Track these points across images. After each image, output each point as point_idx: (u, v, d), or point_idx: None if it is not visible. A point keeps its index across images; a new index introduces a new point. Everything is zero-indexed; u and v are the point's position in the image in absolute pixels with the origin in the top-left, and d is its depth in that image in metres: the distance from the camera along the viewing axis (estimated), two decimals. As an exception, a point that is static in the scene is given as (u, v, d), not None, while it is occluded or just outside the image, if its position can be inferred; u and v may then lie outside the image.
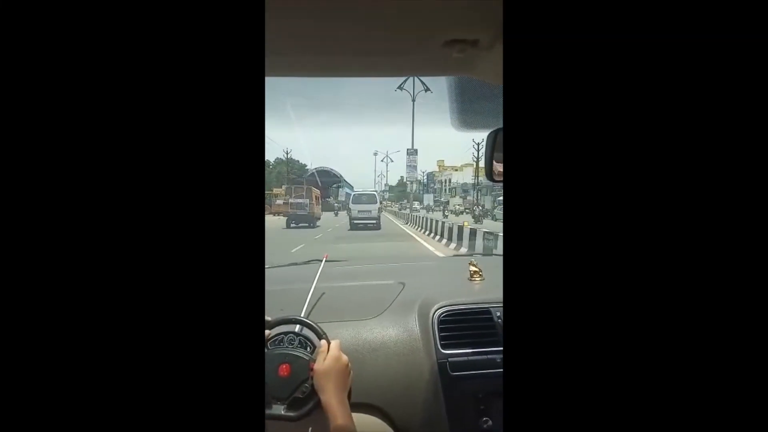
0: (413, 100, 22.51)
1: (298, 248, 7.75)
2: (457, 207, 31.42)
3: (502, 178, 0.70)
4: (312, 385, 0.66)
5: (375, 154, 56.36)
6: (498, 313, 0.84)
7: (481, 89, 0.69)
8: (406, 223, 17.16)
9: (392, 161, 50.16)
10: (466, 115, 0.74)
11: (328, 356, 0.68)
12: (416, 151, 25.50)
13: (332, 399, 0.64)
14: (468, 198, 38.08)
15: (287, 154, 39.09)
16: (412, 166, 25.59)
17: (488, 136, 0.67)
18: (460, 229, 8.15)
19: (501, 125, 0.66)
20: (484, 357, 0.78)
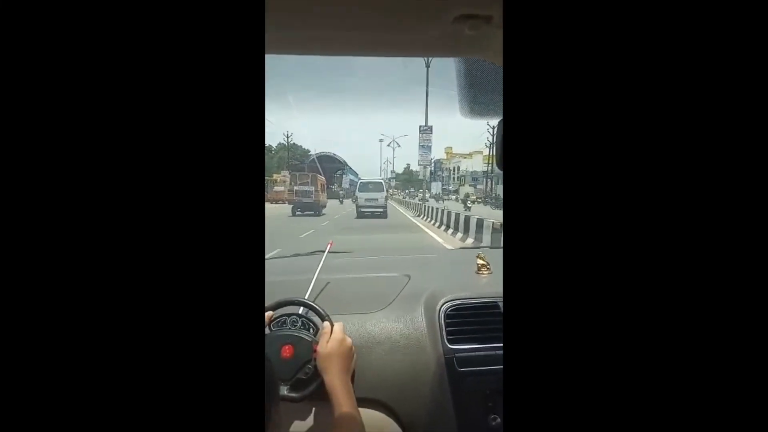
0: (427, 67, 20.76)
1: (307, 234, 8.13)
2: (469, 195, 30.92)
3: None
4: (315, 367, 0.68)
5: (381, 140, 55.81)
6: None
7: (491, 74, 0.68)
8: (418, 215, 15.09)
9: (399, 146, 48.34)
10: (475, 101, 0.72)
11: (332, 338, 0.69)
12: (431, 128, 21.29)
13: (335, 380, 0.65)
14: (478, 187, 37.76)
15: (288, 138, 38.86)
16: (425, 147, 21.49)
17: (499, 123, 0.65)
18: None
19: None
20: (493, 352, 0.77)
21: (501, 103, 0.76)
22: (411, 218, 14.64)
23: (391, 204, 22.52)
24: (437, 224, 11.12)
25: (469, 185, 40.32)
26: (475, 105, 0.73)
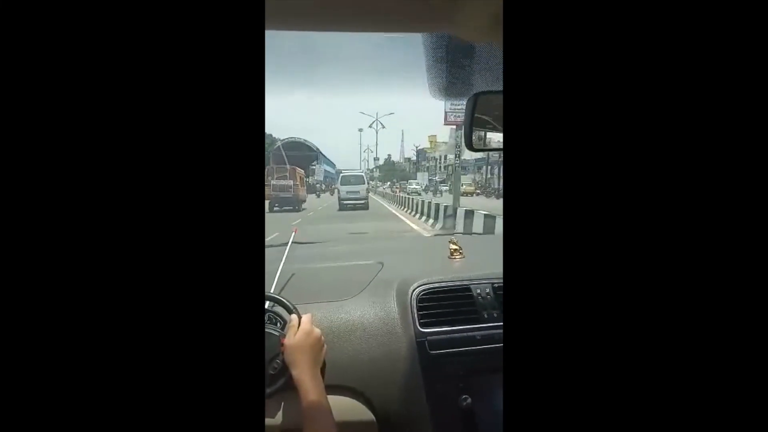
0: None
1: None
2: (464, 187, 30.46)
3: (481, 148, 0.76)
4: (283, 361, 0.74)
5: (360, 130, 54.49)
6: (478, 290, 0.93)
7: (460, 49, 0.74)
8: (434, 221, 10.14)
9: (384, 127, 44.27)
10: (445, 80, 0.79)
11: (299, 330, 0.76)
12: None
13: (304, 374, 0.72)
14: (469, 176, 37.76)
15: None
16: (460, 84, 1.96)
17: (468, 102, 0.73)
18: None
19: (481, 90, 0.72)
20: (464, 335, 0.86)
21: (472, 81, 0.83)
22: (426, 232, 9.04)
23: (376, 200, 22.53)
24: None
25: (460, 174, 40.40)
26: (445, 84, 0.80)
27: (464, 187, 30.58)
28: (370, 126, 43.27)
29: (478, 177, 37.52)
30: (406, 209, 15.51)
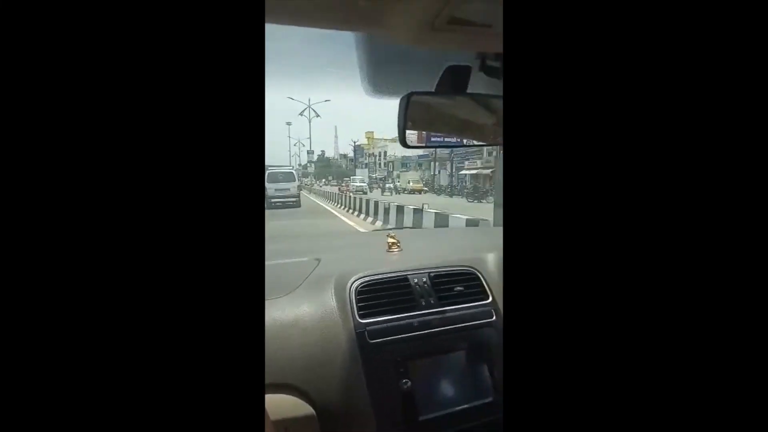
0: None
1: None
2: (412, 185, 29.59)
3: (416, 145, 0.82)
4: None
5: (289, 123, 51.84)
6: (416, 279, 1.00)
7: (392, 49, 0.79)
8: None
9: (318, 116, 41.31)
10: (378, 78, 0.84)
11: None
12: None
13: None
14: (413, 173, 38.03)
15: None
16: None
17: (401, 101, 0.78)
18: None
19: (413, 90, 0.78)
20: (404, 322, 0.94)
21: (405, 80, 0.89)
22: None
23: (312, 199, 22.05)
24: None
25: (402, 171, 40.84)
26: (377, 83, 0.84)
27: (411, 184, 29.81)
28: (301, 114, 39.59)
29: (420, 174, 38.11)
30: (360, 215, 12.31)
